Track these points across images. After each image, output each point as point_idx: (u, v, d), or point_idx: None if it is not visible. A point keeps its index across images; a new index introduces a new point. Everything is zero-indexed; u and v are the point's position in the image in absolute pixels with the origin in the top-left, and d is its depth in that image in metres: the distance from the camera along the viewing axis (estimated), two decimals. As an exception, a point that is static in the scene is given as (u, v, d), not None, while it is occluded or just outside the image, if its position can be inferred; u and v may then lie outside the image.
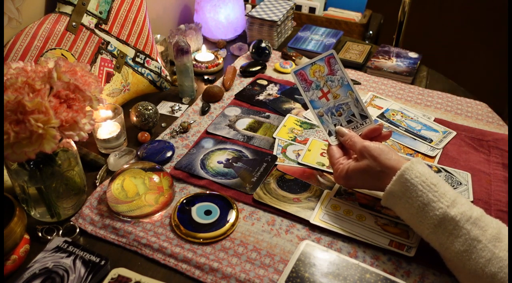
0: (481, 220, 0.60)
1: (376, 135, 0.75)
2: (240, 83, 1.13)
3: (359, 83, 1.13)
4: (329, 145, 0.76)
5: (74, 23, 0.87)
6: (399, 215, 0.67)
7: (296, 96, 1.06)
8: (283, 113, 1.00)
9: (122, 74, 0.97)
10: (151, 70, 1.03)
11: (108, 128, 0.88)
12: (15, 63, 0.64)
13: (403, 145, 0.91)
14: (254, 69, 1.16)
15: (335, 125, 0.77)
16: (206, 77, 1.15)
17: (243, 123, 0.97)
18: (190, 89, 1.06)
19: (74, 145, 0.72)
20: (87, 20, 0.89)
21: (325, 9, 1.81)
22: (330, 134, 0.77)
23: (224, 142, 0.91)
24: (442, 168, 0.84)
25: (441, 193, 0.62)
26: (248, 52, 1.25)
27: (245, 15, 1.31)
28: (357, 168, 0.70)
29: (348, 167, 0.71)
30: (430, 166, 0.84)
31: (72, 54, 0.87)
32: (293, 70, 0.77)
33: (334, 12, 1.76)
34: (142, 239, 0.70)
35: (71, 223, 0.73)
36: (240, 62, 1.22)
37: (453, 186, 0.80)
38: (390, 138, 0.92)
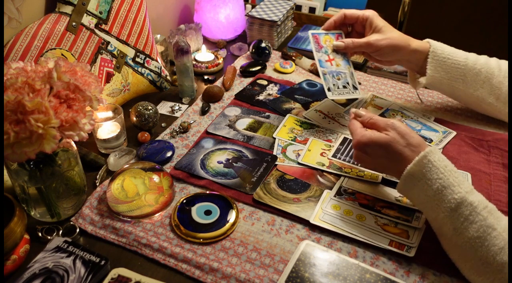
0: (496, 211, 0.61)
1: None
2: (240, 83, 1.13)
3: (359, 83, 1.12)
4: (350, 120, 0.76)
5: (74, 23, 0.87)
6: (412, 199, 0.68)
7: (296, 96, 1.06)
8: (283, 113, 1.00)
9: (122, 74, 0.97)
10: (151, 70, 1.03)
11: (108, 128, 0.88)
12: (15, 63, 0.64)
13: (403, 145, 0.91)
14: (254, 69, 1.16)
15: (334, 85, 0.92)
16: (206, 77, 1.15)
17: (243, 123, 0.97)
18: (190, 89, 1.06)
19: (74, 145, 0.72)
20: (87, 20, 0.89)
21: (325, 9, 1.81)
22: (329, 90, 0.91)
23: (224, 142, 0.91)
24: None
25: (460, 180, 0.63)
26: (248, 52, 1.25)
27: (245, 15, 1.31)
28: (382, 138, 0.69)
29: (371, 135, 0.70)
30: None
31: (72, 54, 0.88)
32: (312, 32, 0.94)
33: (334, 12, 1.76)
34: (142, 239, 0.70)
35: (71, 223, 0.73)
36: (240, 62, 1.22)
37: None
38: None
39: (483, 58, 0.90)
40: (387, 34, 0.88)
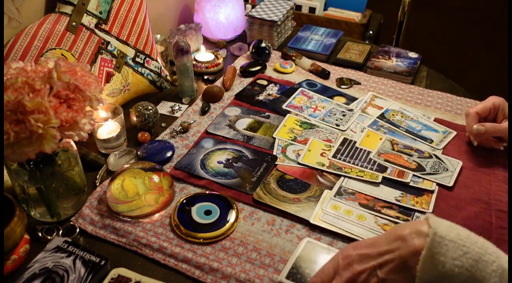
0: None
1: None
2: (240, 83, 1.13)
3: (359, 83, 1.13)
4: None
5: (74, 23, 0.87)
6: None
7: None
8: (283, 113, 1.00)
9: (122, 74, 0.97)
10: (151, 70, 1.03)
11: (108, 128, 0.88)
12: (15, 63, 0.64)
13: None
14: (254, 69, 1.16)
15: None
16: (206, 77, 1.15)
17: (243, 123, 0.97)
18: (190, 89, 1.06)
19: (74, 145, 0.72)
20: (87, 20, 0.89)
21: (325, 9, 1.81)
22: None
23: (224, 142, 0.91)
24: (434, 154, 0.87)
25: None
26: (248, 52, 1.25)
27: (245, 15, 1.31)
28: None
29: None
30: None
31: (72, 54, 0.88)
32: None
33: (334, 12, 1.76)
34: (142, 239, 0.70)
35: (71, 223, 0.73)
36: (240, 62, 1.22)
37: (439, 171, 0.83)
38: (391, 138, 0.91)
39: None
40: None
